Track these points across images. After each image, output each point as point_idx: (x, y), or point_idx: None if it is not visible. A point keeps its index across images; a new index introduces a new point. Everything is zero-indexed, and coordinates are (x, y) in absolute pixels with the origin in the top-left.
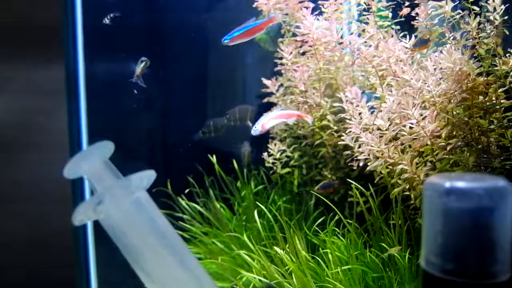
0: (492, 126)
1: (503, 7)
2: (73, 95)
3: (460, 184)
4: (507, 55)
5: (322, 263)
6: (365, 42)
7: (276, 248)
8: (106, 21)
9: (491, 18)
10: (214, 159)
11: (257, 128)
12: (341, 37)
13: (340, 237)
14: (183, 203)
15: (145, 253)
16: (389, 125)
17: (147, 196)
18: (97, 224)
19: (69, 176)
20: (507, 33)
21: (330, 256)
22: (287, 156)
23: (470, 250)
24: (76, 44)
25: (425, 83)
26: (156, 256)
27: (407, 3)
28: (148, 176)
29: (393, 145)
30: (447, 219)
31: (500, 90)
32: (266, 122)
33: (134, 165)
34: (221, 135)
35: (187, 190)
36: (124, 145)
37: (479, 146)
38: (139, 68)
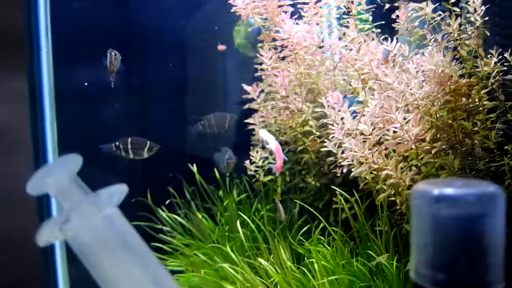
0: (476, 128)
1: (483, 8)
2: (37, 105)
3: (450, 191)
4: (488, 56)
5: (308, 273)
6: (346, 45)
7: (260, 259)
8: None
9: (472, 19)
10: (194, 168)
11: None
12: (322, 41)
13: (326, 246)
14: (163, 214)
15: (115, 274)
16: (373, 129)
17: (118, 213)
18: (67, 242)
19: (33, 192)
20: (488, 34)
21: (316, 265)
22: (269, 163)
23: (462, 260)
24: (39, 51)
25: (408, 86)
26: (128, 277)
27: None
28: (119, 190)
29: (377, 150)
30: (436, 228)
31: (483, 91)
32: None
33: (111, 177)
34: (142, 157)
35: (167, 201)
36: (100, 155)
37: (464, 149)
38: (109, 63)
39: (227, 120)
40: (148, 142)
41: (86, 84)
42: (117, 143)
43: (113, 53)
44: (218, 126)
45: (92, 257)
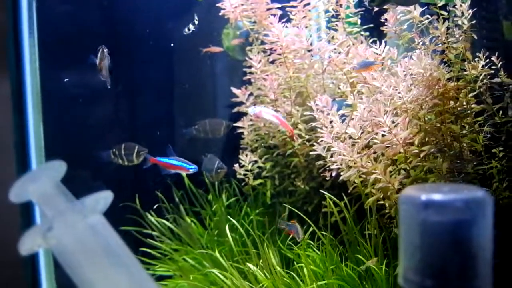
0: (464, 131)
1: (470, 11)
2: (19, 110)
3: (437, 196)
4: (475, 59)
5: (297, 278)
6: (335, 49)
7: (249, 264)
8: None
9: (459, 22)
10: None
11: (253, 112)
12: (311, 44)
13: (315, 250)
14: (152, 219)
15: (99, 282)
16: (361, 133)
17: (103, 220)
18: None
19: (16, 199)
20: (475, 37)
21: (305, 270)
22: (259, 167)
23: (450, 265)
24: (22, 55)
25: (396, 90)
26: (112, 285)
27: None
28: (104, 198)
29: (365, 154)
30: (425, 234)
31: (471, 94)
32: (263, 112)
33: (100, 181)
34: (133, 163)
35: (156, 206)
36: (88, 160)
37: (452, 152)
38: (99, 60)
39: (223, 127)
40: (136, 147)
41: (66, 83)
42: (114, 150)
43: (105, 51)
44: (212, 132)
45: (75, 265)
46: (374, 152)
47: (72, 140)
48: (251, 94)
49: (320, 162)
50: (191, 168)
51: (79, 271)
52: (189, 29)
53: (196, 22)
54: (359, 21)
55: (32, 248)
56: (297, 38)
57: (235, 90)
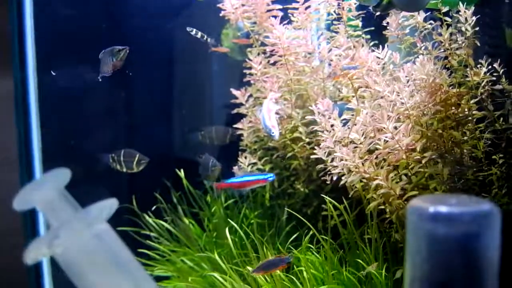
0: (465, 138)
1: (474, 18)
2: (22, 108)
3: (445, 209)
4: (478, 66)
5: (297, 281)
6: (338, 53)
7: (248, 267)
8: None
9: (463, 29)
10: (182, 173)
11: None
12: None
13: (315, 253)
14: (150, 220)
15: None
16: (364, 138)
17: (108, 228)
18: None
19: (20, 208)
20: (478, 44)
21: (305, 274)
22: (258, 169)
23: (457, 277)
24: (25, 53)
25: (399, 95)
26: None
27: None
28: (109, 205)
29: (367, 159)
30: (432, 246)
31: (472, 101)
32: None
33: (98, 182)
34: (132, 170)
35: (154, 207)
36: (86, 160)
37: (452, 158)
38: (117, 58)
39: (228, 134)
40: (137, 155)
41: (64, 84)
42: (112, 155)
43: (124, 49)
44: (218, 139)
45: (80, 274)
46: (376, 157)
47: (69, 140)
48: (250, 95)
49: (321, 166)
50: (270, 177)
51: (84, 279)
52: (193, 32)
53: (207, 40)
54: (360, 24)
55: (37, 257)
56: (303, 40)
57: (234, 91)
